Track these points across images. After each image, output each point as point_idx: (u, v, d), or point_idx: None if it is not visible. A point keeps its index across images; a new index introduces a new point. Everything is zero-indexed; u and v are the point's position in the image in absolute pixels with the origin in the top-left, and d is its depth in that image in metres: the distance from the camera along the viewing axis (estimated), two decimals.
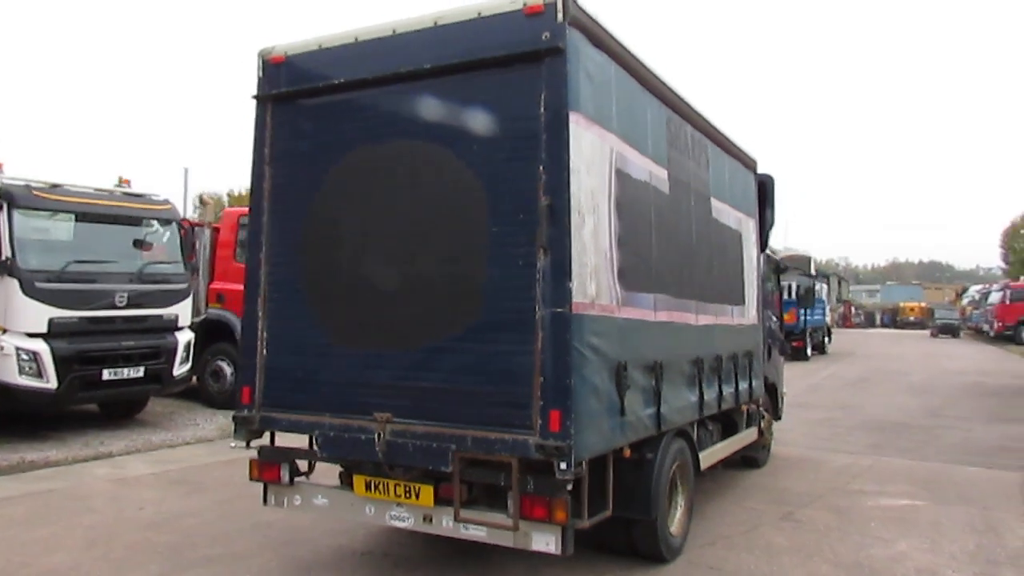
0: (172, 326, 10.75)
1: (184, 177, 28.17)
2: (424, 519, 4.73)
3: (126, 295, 10.11)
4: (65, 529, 6.15)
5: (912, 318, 63.52)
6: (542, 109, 4.29)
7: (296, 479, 5.18)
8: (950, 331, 46.36)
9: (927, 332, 50.03)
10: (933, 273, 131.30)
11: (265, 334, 5.14)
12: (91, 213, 10.17)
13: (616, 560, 5.48)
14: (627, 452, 4.90)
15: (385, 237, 4.81)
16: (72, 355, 9.44)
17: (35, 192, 9.55)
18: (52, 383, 9.25)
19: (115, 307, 9.99)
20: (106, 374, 9.83)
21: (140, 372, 10.24)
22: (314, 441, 4.90)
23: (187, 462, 8.74)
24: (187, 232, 11.35)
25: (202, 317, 12.55)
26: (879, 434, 11.33)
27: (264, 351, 5.13)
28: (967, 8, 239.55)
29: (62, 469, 8.27)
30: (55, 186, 9.88)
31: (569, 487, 4.25)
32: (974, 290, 51.45)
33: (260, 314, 5.15)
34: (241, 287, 5.33)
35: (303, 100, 5.13)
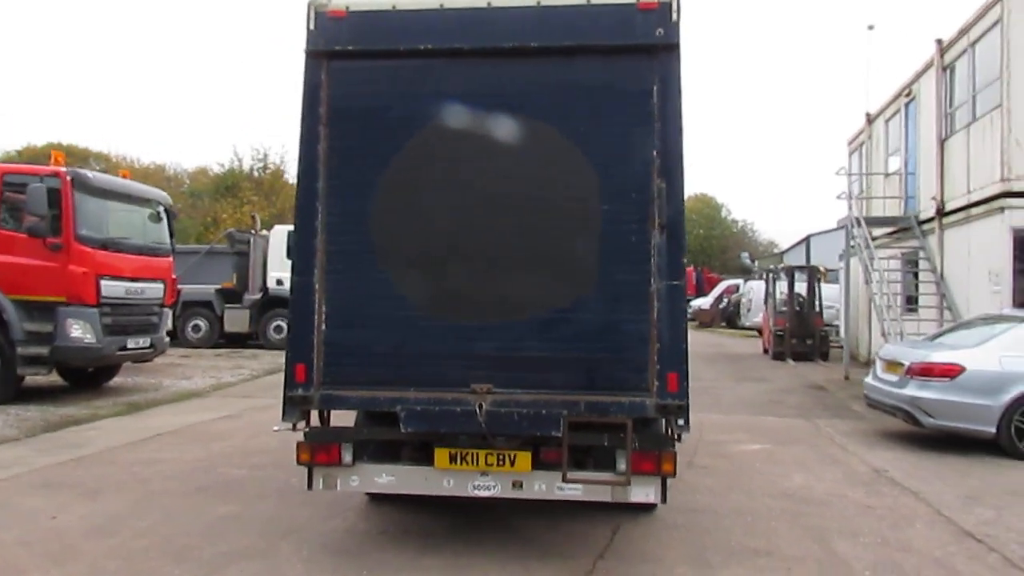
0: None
1: None
2: (514, 485, 4.87)
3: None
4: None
5: None
6: (655, 100, 4.68)
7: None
8: None
9: None
10: None
11: (325, 307, 4.82)
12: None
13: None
14: None
15: (481, 209, 4.81)
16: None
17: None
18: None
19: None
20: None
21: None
22: (398, 416, 4.74)
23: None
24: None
25: None
26: None
27: (324, 325, 4.81)
28: None
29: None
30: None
31: (678, 442, 4.75)
32: None
33: (316, 286, 4.82)
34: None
35: (372, 60, 4.88)
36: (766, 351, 21.92)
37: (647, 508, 6.09)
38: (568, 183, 4.77)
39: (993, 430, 8.41)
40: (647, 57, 4.71)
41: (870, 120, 19.23)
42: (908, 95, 16.03)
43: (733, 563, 5.07)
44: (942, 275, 13.90)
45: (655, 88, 4.69)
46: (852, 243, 16.17)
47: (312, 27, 4.88)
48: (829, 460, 8.34)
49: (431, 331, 4.78)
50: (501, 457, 4.81)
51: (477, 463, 4.83)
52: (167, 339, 13.60)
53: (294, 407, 4.82)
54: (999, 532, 5.81)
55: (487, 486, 4.88)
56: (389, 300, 4.82)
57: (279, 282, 20.87)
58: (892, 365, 9.53)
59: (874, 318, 17.60)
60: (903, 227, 16.10)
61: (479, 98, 4.83)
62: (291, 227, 22.41)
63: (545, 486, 4.86)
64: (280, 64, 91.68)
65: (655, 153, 4.67)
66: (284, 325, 20.85)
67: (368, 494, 6.17)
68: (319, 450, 4.91)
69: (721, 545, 5.43)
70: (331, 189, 4.85)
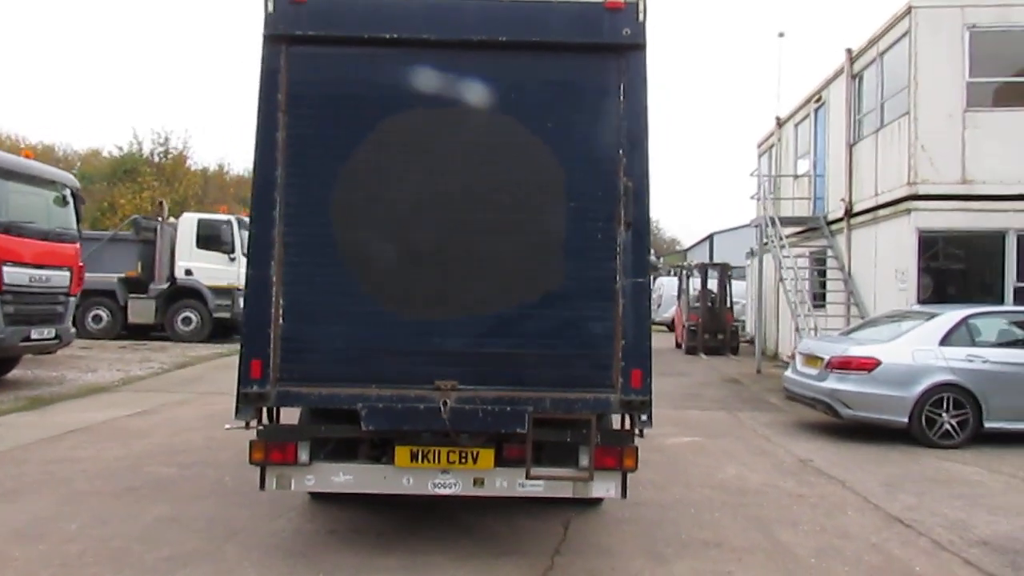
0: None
1: None
2: (475, 483, 4.82)
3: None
4: None
5: None
6: (621, 98, 4.72)
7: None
8: None
9: None
10: None
11: (282, 301, 4.64)
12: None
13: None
14: None
15: (445, 203, 4.73)
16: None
17: None
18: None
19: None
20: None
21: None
22: (359, 414, 4.61)
23: None
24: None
25: None
26: None
27: (280, 320, 4.64)
28: None
29: None
30: None
31: (639, 437, 4.81)
32: None
33: (274, 279, 4.63)
34: None
35: (334, 47, 4.71)
36: (679, 345, 22.56)
37: (594, 503, 6.16)
38: (534, 179, 4.75)
39: (906, 420, 8.92)
40: (614, 56, 4.73)
41: (780, 124, 20.03)
42: (818, 101, 16.77)
43: (687, 555, 5.19)
44: (849, 273, 14.64)
45: (621, 87, 4.72)
46: (764, 241, 16.80)
47: (271, 9, 4.68)
48: (757, 451, 8.65)
49: (394, 326, 4.67)
50: (463, 455, 4.76)
51: (438, 461, 4.76)
52: (73, 330, 12.86)
53: (248, 404, 4.63)
54: (924, 517, 6.16)
55: (448, 484, 4.82)
56: (349, 294, 4.68)
57: (188, 272, 20.10)
58: (811, 359, 9.96)
59: (782, 314, 18.40)
60: (811, 227, 16.85)
61: (445, 90, 4.74)
62: (202, 215, 21.83)
63: (507, 483, 4.84)
64: (183, 43, 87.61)
65: (621, 152, 4.70)
66: (192, 316, 20.09)
67: (310, 492, 6.01)
68: (273, 448, 4.73)
69: (671, 538, 5.54)
70: (290, 178, 4.67)
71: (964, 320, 9.31)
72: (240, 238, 20.37)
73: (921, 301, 11.88)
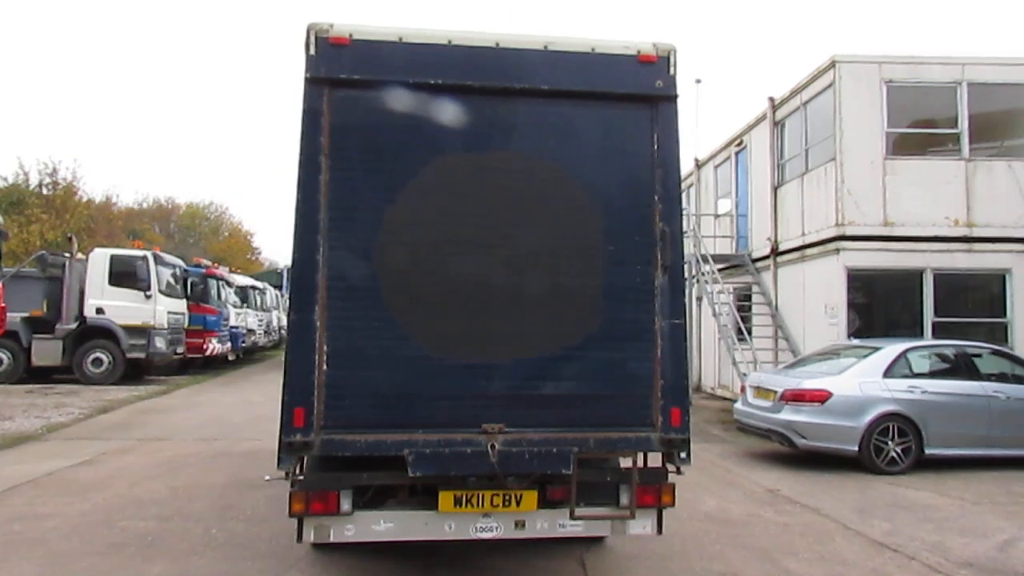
0: None
1: None
2: (516, 525, 4.84)
3: None
4: None
5: None
6: (655, 147, 4.93)
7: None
8: None
9: None
10: None
11: (326, 347, 4.55)
12: None
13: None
14: None
15: (488, 247, 4.77)
16: None
17: None
18: None
19: None
20: None
21: None
22: (406, 460, 4.55)
23: None
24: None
25: None
26: None
27: (325, 365, 4.55)
28: None
29: None
30: None
31: (676, 476, 4.95)
32: None
33: (317, 323, 4.54)
34: None
35: (378, 91, 4.72)
36: None
37: (598, 540, 6.25)
38: (574, 223, 4.87)
39: (856, 448, 9.45)
40: (647, 106, 4.94)
41: (699, 165, 20.98)
42: (739, 144, 17.72)
43: None
44: (777, 308, 15.42)
45: (655, 136, 4.93)
46: (690, 276, 17.48)
47: (313, 52, 4.65)
48: (724, 482, 8.95)
49: (440, 370, 4.66)
50: (507, 498, 4.76)
51: (482, 505, 4.75)
52: None
53: (291, 453, 4.49)
54: (904, 541, 6.56)
55: (490, 528, 4.81)
56: (394, 338, 4.64)
57: (99, 310, 19.03)
58: (762, 391, 10.43)
59: (704, 347, 19.12)
60: (734, 263, 17.66)
61: (486, 135, 4.82)
62: (115, 250, 20.76)
63: (547, 524, 4.88)
64: (71, 71, 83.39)
65: (656, 198, 4.90)
66: (104, 357, 18.99)
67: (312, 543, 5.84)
68: (315, 499, 4.60)
69: (688, 571, 5.69)
70: (333, 222, 4.61)
71: (904, 353, 10.01)
72: (156, 275, 19.53)
73: (850, 335, 12.64)
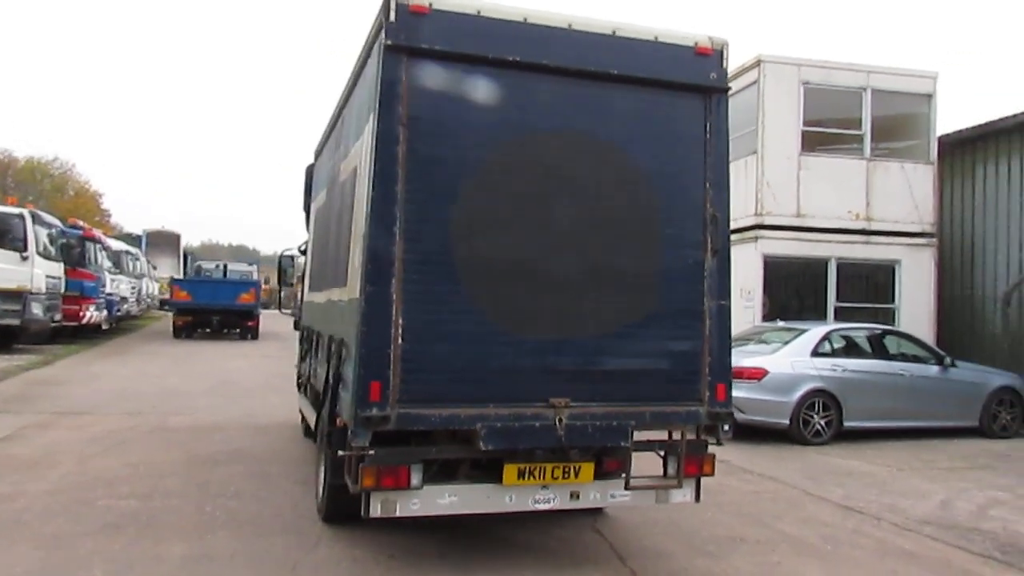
0: None
1: None
2: (572, 496, 5.00)
3: None
4: None
5: None
6: (707, 135, 5.17)
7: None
8: None
9: None
10: (241, 255, 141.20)
11: (401, 320, 4.50)
12: None
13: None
14: None
15: (558, 226, 4.86)
16: None
17: None
18: None
19: None
20: None
21: None
22: (477, 434, 4.58)
23: None
24: None
25: None
26: None
27: (400, 339, 4.50)
28: None
29: None
30: None
31: (720, 446, 5.27)
32: None
33: (394, 297, 4.48)
34: None
35: (457, 64, 4.67)
36: None
37: (600, 510, 6.48)
38: (637, 207, 5.04)
39: (787, 422, 10.24)
40: (702, 97, 5.17)
41: None
42: None
43: (730, 551, 5.72)
44: None
45: (707, 125, 5.17)
46: None
47: (392, 19, 4.53)
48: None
49: (511, 345, 4.72)
50: (567, 470, 4.91)
51: (543, 477, 4.87)
52: None
53: (367, 428, 4.42)
54: (864, 504, 7.24)
55: (548, 499, 4.95)
56: (467, 313, 4.65)
57: None
58: None
59: None
60: None
61: (560, 116, 4.88)
62: None
63: (599, 495, 5.09)
64: None
65: (708, 185, 5.15)
66: None
67: (325, 520, 5.79)
68: (386, 473, 4.56)
69: (696, 533, 6.06)
70: (410, 195, 4.55)
71: (828, 335, 10.92)
72: (34, 234, 17.95)
73: (763, 318, 13.56)
